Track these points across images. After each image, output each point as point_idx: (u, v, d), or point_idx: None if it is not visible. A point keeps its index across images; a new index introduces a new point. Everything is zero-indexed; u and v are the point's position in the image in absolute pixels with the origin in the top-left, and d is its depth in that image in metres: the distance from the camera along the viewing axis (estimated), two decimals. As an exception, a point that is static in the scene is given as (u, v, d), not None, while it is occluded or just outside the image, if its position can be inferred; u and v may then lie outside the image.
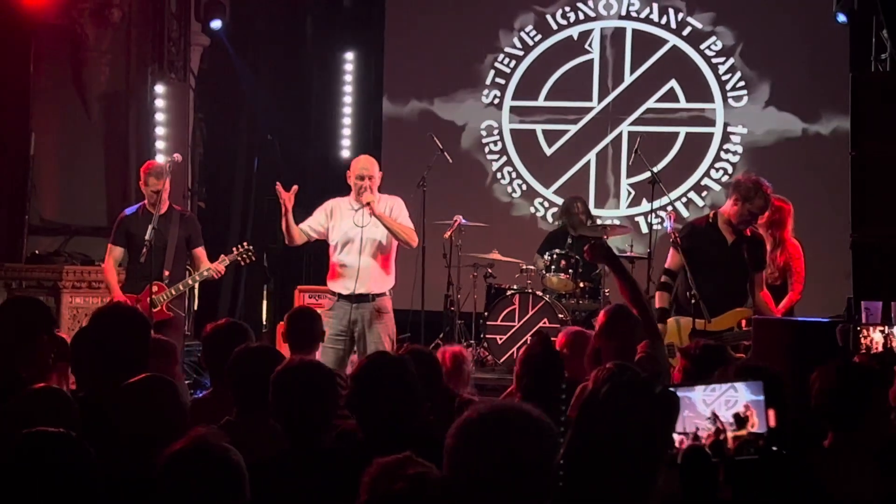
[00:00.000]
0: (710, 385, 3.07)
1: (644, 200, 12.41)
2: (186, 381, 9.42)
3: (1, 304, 5.63)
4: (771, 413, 3.02)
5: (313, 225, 8.61)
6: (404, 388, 4.37)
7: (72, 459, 3.30)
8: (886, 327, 7.01)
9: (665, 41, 13.09)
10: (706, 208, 12.25)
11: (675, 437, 2.93)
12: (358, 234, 8.42)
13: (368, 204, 8.30)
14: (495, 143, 13.45)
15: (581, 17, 13.28)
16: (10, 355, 5.09)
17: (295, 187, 8.42)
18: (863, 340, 6.94)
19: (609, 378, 3.01)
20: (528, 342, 5.55)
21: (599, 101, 13.22)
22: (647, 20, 13.14)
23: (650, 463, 2.74)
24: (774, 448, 3.02)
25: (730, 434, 3.00)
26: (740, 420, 3.00)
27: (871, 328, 6.96)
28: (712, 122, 12.99)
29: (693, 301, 8.06)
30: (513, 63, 13.41)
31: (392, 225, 8.35)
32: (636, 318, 6.05)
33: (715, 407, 3.00)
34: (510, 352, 10.83)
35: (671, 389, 2.86)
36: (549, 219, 13.10)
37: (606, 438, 2.74)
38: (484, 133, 13.46)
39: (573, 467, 2.78)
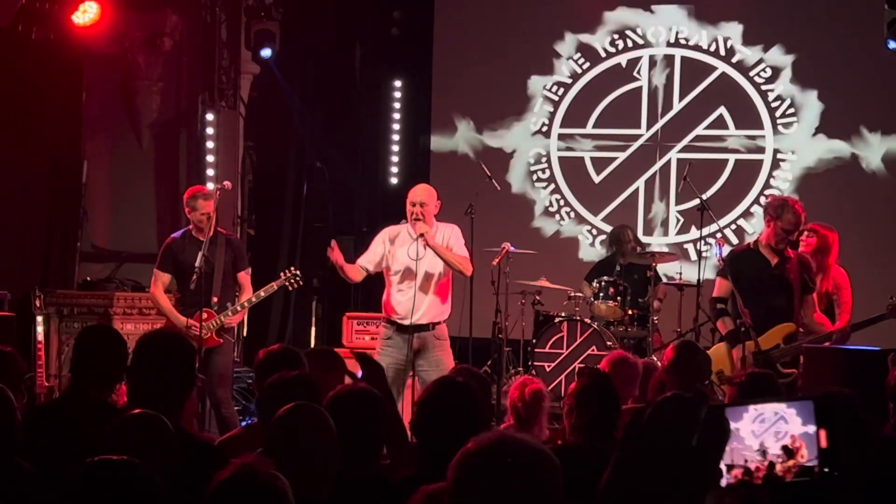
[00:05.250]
0: (758, 415, 3.03)
1: (693, 227, 12.35)
2: (236, 408, 9.46)
3: (87, 332, 5.62)
4: (822, 433, 2.99)
5: (372, 259, 8.64)
6: (470, 415, 4.35)
7: (135, 489, 3.30)
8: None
9: (714, 68, 13.05)
10: (756, 235, 12.18)
11: (724, 468, 2.91)
12: (415, 266, 8.43)
13: (422, 235, 8.31)
14: (543, 170, 13.44)
15: (629, 44, 13.27)
16: (90, 380, 5.15)
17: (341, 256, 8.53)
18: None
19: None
20: (581, 377, 5.48)
21: (648, 128, 13.19)
22: (696, 47, 13.11)
23: (697, 486, 2.72)
24: (826, 469, 2.99)
25: (779, 467, 2.97)
26: (788, 451, 2.97)
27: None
28: (762, 149, 12.93)
29: (743, 329, 8.07)
30: (561, 91, 13.41)
31: (446, 255, 8.37)
32: (703, 355, 6.03)
33: (764, 439, 2.97)
34: (558, 379, 10.78)
35: (719, 410, 2.84)
36: (598, 246, 13.06)
37: (651, 460, 2.71)
38: (532, 160, 13.46)
39: (618, 490, 2.76)
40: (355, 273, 8.65)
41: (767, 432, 2.96)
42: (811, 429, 2.98)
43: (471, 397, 4.43)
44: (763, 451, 2.95)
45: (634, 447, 2.79)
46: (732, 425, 2.90)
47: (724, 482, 2.91)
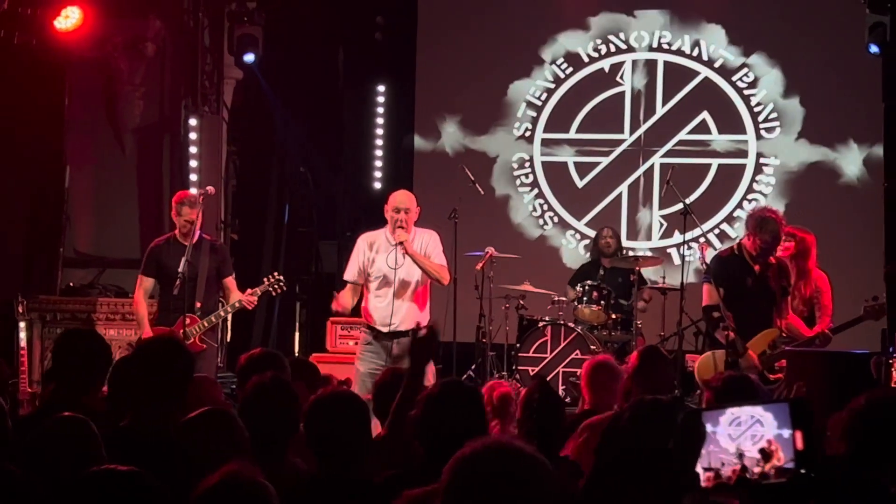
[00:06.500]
0: (734, 418, 3.04)
1: (676, 232, 12.39)
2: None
3: (73, 336, 5.62)
4: (798, 435, 3.00)
5: (358, 270, 8.60)
6: (476, 417, 4.36)
7: (142, 499, 3.29)
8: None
9: (697, 73, 13.08)
10: (738, 239, 12.21)
11: (700, 471, 2.92)
12: (393, 273, 8.41)
13: (401, 243, 8.29)
14: (527, 175, 13.45)
15: (612, 49, 13.30)
16: (77, 385, 5.14)
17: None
18: (894, 374, 6.88)
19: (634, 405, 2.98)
20: (529, 387, 5.50)
21: (631, 133, 13.22)
22: (679, 52, 13.14)
23: (674, 487, 2.72)
24: (802, 471, 3.00)
25: (756, 470, 2.98)
26: (765, 454, 2.98)
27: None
28: (744, 154, 12.96)
29: (725, 332, 8.10)
30: (544, 95, 13.43)
31: (424, 264, 8.34)
32: (669, 360, 6.02)
33: (740, 442, 2.98)
34: (542, 384, 10.77)
35: (695, 414, 2.84)
36: (581, 251, 13.08)
37: (629, 463, 2.72)
38: (515, 165, 13.47)
39: (597, 492, 2.76)
40: (351, 298, 8.66)
41: (744, 435, 2.97)
42: (787, 431, 2.99)
43: (478, 401, 4.45)
44: (739, 454, 2.97)
45: (612, 452, 2.79)
46: (709, 429, 2.91)
47: (701, 484, 2.92)
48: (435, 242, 8.52)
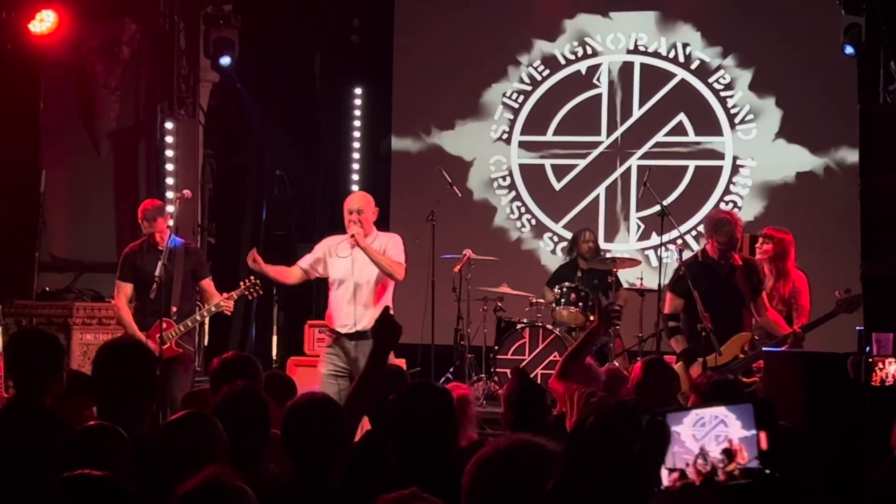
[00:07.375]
0: (699, 419, 3.04)
1: (654, 234, 12.40)
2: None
3: (18, 336, 5.57)
4: (762, 436, 3.00)
5: (308, 259, 8.61)
6: (445, 418, 4.35)
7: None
8: (900, 359, 6.95)
9: (673, 75, 13.10)
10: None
11: (665, 472, 2.92)
12: (350, 272, 8.38)
13: (352, 236, 8.27)
14: (504, 177, 13.45)
15: (589, 51, 13.31)
16: (32, 386, 5.08)
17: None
18: (878, 372, 6.88)
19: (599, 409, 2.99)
20: (509, 380, 5.52)
21: (608, 135, 13.23)
22: (655, 54, 13.16)
23: (639, 493, 2.72)
24: (767, 471, 3.00)
25: (724, 469, 2.99)
26: (729, 455, 2.99)
27: (886, 360, 6.89)
28: (721, 155, 12.98)
29: (703, 334, 8.09)
30: (521, 98, 13.43)
31: (376, 257, 8.28)
32: (673, 373, 5.98)
33: (704, 442, 2.98)
34: (520, 386, 10.76)
35: (660, 418, 2.84)
36: (559, 253, 13.08)
37: (593, 469, 2.72)
38: (493, 168, 13.47)
39: (563, 497, 2.76)
40: (286, 275, 8.61)
41: (708, 436, 2.97)
42: (751, 432, 3.00)
43: (447, 402, 4.45)
44: (704, 455, 2.97)
45: (575, 457, 2.79)
46: (673, 429, 2.91)
47: (664, 485, 2.92)
48: (395, 242, 8.48)
